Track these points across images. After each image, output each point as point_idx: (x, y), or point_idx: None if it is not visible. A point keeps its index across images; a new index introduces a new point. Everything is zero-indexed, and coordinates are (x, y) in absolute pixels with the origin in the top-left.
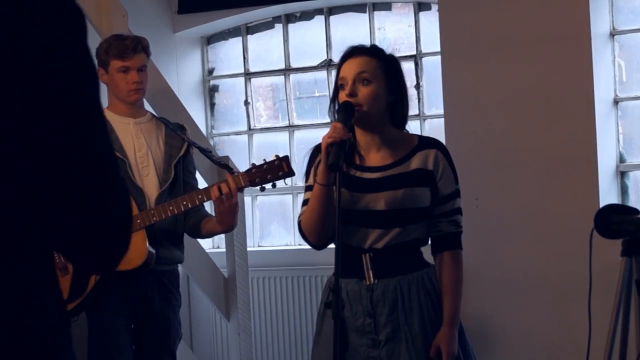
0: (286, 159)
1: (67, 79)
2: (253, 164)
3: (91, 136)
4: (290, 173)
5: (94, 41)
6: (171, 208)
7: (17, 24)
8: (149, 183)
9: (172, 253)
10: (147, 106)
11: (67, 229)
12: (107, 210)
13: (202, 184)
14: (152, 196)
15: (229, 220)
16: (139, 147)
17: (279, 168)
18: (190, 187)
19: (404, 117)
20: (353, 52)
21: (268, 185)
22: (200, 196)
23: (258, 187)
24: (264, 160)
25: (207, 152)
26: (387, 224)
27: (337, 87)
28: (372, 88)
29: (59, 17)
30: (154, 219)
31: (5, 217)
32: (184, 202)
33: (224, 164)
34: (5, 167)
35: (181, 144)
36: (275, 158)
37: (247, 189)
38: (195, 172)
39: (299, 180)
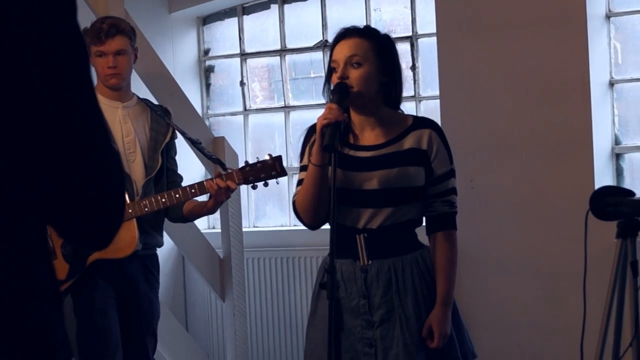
0: (279, 158)
1: (57, 53)
2: (246, 162)
3: (83, 108)
4: (283, 173)
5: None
6: (163, 200)
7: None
8: (136, 169)
9: (154, 239)
10: (138, 89)
11: (60, 203)
12: (101, 181)
13: (199, 172)
14: (139, 183)
15: (219, 206)
16: (126, 132)
17: (272, 167)
18: (171, 172)
19: (397, 98)
20: (345, 33)
21: (260, 184)
22: (193, 190)
23: (250, 185)
24: (257, 158)
25: (198, 144)
26: (380, 203)
27: (330, 69)
28: (362, 70)
29: None
30: (146, 209)
31: None
32: (177, 195)
33: (216, 158)
34: None
35: (166, 129)
36: (268, 157)
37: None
38: (176, 156)
39: (294, 161)
